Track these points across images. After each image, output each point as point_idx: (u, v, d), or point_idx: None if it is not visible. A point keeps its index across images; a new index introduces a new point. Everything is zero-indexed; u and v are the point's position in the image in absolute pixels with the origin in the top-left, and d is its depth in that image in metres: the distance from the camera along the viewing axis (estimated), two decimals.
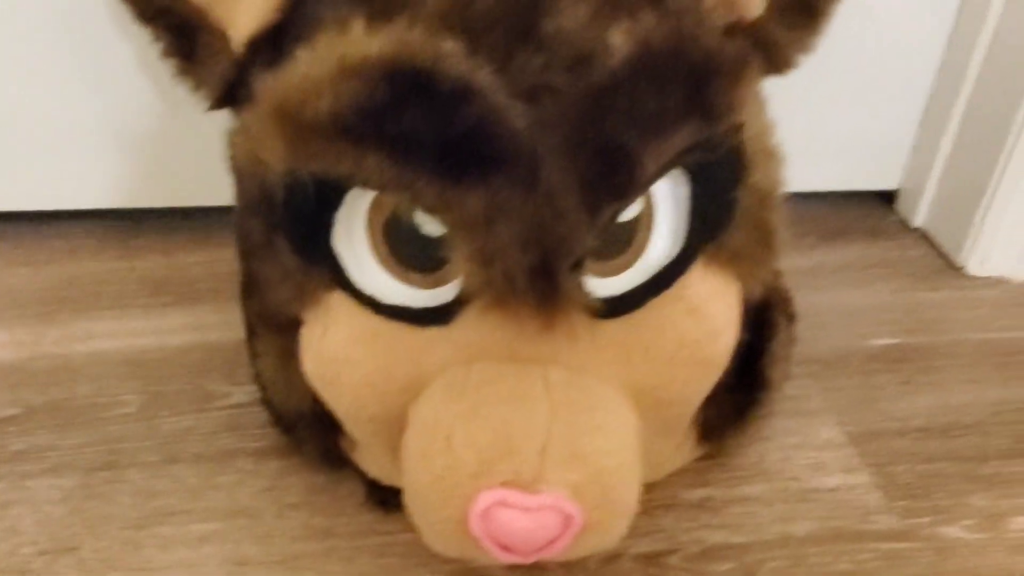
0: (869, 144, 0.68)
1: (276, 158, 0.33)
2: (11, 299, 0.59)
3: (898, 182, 0.70)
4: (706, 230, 0.36)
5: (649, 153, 0.32)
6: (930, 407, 0.52)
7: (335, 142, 0.32)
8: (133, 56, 0.57)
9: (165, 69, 0.39)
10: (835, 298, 0.61)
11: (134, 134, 0.60)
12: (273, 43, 0.36)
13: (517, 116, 0.31)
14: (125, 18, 0.39)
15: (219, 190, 0.61)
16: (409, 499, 0.35)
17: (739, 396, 0.46)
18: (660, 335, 0.36)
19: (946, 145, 0.65)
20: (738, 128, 0.35)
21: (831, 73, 0.63)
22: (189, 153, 0.61)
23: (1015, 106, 0.58)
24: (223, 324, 0.55)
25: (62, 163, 0.61)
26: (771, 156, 0.39)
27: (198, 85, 0.39)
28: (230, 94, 0.38)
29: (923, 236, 0.68)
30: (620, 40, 0.32)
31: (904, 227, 0.69)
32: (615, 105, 0.31)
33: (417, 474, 0.34)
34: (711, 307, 0.37)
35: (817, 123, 0.65)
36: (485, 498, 0.32)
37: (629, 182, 0.32)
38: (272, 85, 0.33)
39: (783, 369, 0.47)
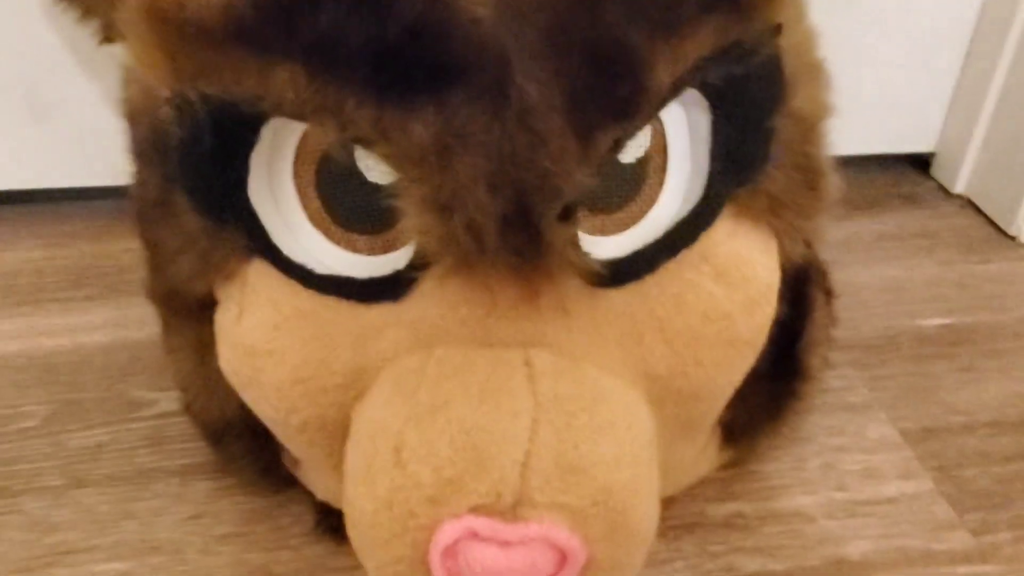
0: (900, 103, 0.60)
1: (158, 76, 0.25)
2: None
3: (934, 145, 0.62)
4: (735, 171, 0.28)
5: (660, 58, 0.24)
6: (999, 397, 0.44)
7: (232, 51, 0.24)
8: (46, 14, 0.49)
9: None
10: (874, 274, 0.53)
11: (55, 104, 0.52)
12: None
13: (479, 7, 0.23)
14: None
15: None
16: (351, 532, 0.27)
17: (773, 387, 0.37)
18: (680, 308, 0.28)
19: (990, 102, 0.58)
20: (775, 31, 0.27)
21: (854, 25, 0.55)
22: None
23: None
24: (154, 318, 0.47)
25: None
26: (816, 73, 0.30)
27: (86, 12, 0.31)
28: None
29: (966, 203, 0.60)
30: None
31: (943, 193, 0.61)
32: None
33: (359, 500, 0.25)
34: (745, 270, 0.29)
35: (841, 81, 0.57)
36: (449, 530, 0.24)
37: (635, 96, 0.24)
38: None
39: (822, 355, 0.39)
